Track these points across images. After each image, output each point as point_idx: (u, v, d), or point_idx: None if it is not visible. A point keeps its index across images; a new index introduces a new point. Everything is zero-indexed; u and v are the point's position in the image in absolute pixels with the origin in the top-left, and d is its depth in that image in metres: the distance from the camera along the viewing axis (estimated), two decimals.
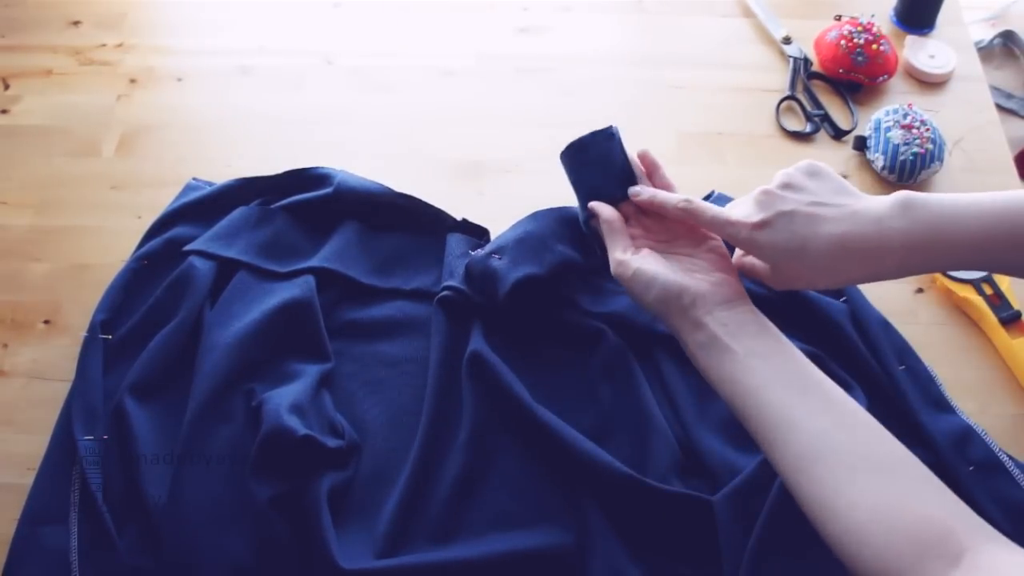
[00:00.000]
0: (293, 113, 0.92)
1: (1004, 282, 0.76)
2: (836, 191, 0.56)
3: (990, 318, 0.75)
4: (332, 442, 0.66)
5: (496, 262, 0.73)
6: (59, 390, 0.72)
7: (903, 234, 0.53)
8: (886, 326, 0.74)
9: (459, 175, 0.87)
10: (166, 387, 0.71)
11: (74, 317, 0.77)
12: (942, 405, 0.70)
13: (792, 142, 0.89)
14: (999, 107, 1.14)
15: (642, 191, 0.64)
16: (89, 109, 0.93)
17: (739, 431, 0.67)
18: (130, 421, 0.68)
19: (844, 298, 0.75)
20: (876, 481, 0.47)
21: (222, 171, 0.86)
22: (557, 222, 0.76)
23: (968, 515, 0.45)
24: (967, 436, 0.67)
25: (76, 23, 1.01)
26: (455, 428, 0.69)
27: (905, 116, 0.86)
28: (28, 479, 0.68)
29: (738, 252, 0.62)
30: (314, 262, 0.77)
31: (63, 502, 0.66)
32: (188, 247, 0.78)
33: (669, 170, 0.68)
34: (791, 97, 0.92)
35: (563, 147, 0.69)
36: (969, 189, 0.84)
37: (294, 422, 0.65)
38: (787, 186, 0.57)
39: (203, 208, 0.82)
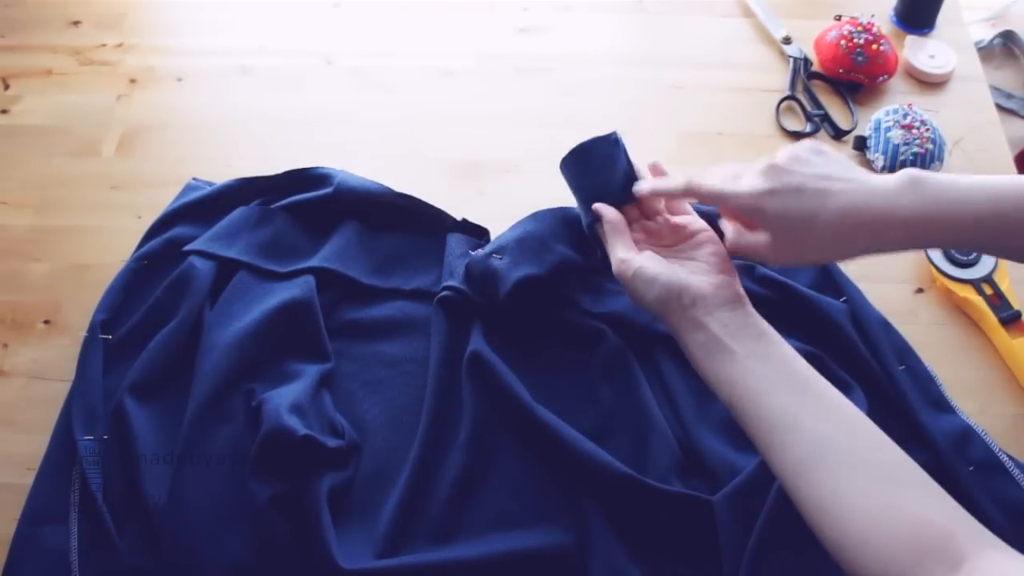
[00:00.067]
0: (293, 113, 0.92)
1: (1004, 282, 0.76)
2: (843, 167, 0.57)
3: (990, 318, 0.75)
4: (332, 442, 0.66)
5: (496, 262, 0.73)
6: (59, 390, 0.72)
7: (910, 209, 0.53)
8: (886, 326, 0.74)
9: (459, 175, 0.87)
10: (166, 387, 0.71)
11: (74, 317, 0.77)
12: (942, 405, 0.70)
13: (792, 142, 0.89)
14: (999, 107, 1.14)
15: (643, 184, 0.64)
16: (89, 109, 0.93)
17: (739, 431, 0.67)
18: (130, 421, 0.68)
19: (844, 298, 0.75)
20: (876, 486, 0.47)
21: (222, 171, 0.86)
22: (557, 222, 0.76)
23: (968, 521, 0.45)
24: (967, 436, 0.67)
25: (76, 23, 1.01)
26: (455, 428, 0.69)
27: (905, 116, 0.86)
28: (28, 479, 0.68)
29: (732, 235, 0.60)
30: (314, 262, 0.77)
31: (63, 502, 0.66)
32: (188, 247, 0.78)
33: (669, 170, 0.68)
34: (791, 97, 0.92)
35: (564, 147, 0.68)
36: None
37: (294, 422, 0.65)
38: (795, 159, 0.57)
39: (203, 208, 0.82)
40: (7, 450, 0.71)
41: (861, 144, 0.87)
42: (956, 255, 0.77)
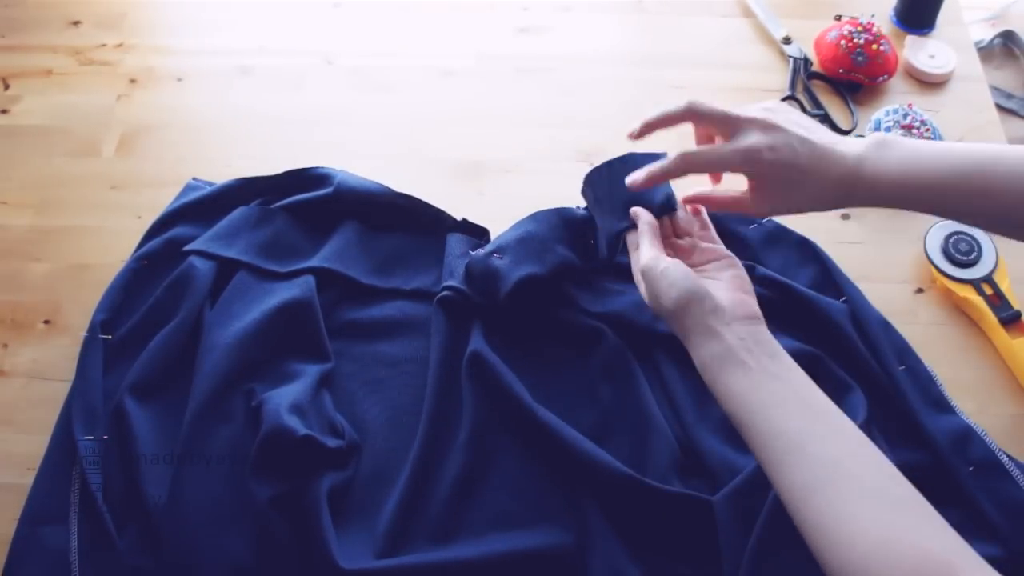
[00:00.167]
0: (293, 113, 0.92)
1: (1004, 282, 0.76)
2: (819, 127, 0.60)
3: (990, 318, 0.75)
4: (332, 442, 0.66)
5: (497, 261, 0.73)
6: (59, 390, 0.72)
7: (874, 169, 0.57)
8: (886, 326, 0.74)
9: (459, 175, 0.87)
10: (166, 387, 0.71)
11: (74, 317, 0.77)
12: (942, 405, 0.70)
13: None
14: (999, 107, 1.14)
15: (637, 125, 0.64)
16: (89, 109, 0.93)
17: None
18: (130, 421, 0.68)
19: (844, 298, 0.75)
20: (880, 514, 0.47)
21: (222, 171, 0.86)
22: (558, 223, 0.76)
23: (967, 551, 0.45)
24: (967, 436, 0.67)
25: (76, 23, 1.01)
26: (455, 428, 0.69)
27: (905, 116, 0.86)
28: (28, 479, 0.68)
29: (703, 188, 0.64)
30: (314, 262, 0.77)
31: (63, 502, 0.66)
32: (188, 247, 0.78)
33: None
34: (791, 97, 0.92)
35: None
36: None
37: (294, 422, 0.65)
38: (787, 116, 0.60)
39: (203, 208, 0.82)
40: (7, 450, 0.71)
41: None
42: (956, 255, 0.77)
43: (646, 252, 0.60)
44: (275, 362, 0.72)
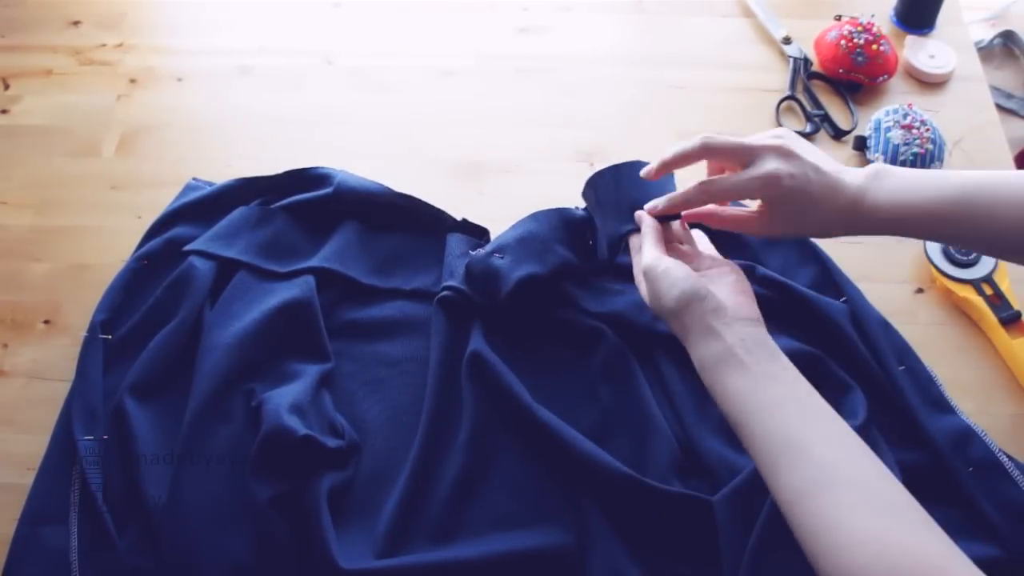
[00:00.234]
0: (293, 113, 0.92)
1: (1004, 282, 0.76)
2: (823, 157, 0.61)
3: (990, 318, 0.75)
4: (332, 442, 0.66)
5: (498, 261, 0.73)
6: (59, 390, 0.72)
7: (872, 201, 0.58)
8: (886, 326, 0.74)
9: (459, 175, 0.87)
10: (166, 387, 0.71)
11: (74, 317, 0.77)
12: (942, 405, 0.70)
13: None
14: (999, 107, 1.14)
15: (655, 165, 0.64)
16: (89, 109, 0.93)
17: None
18: (130, 421, 0.68)
19: (844, 298, 0.75)
20: (875, 519, 0.47)
21: (222, 171, 0.86)
22: (558, 223, 0.76)
23: (961, 559, 0.45)
24: (967, 436, 0.67)
25: (76, 23, 1.01)
26: (455, 428, 0.69)
27: (905, 116, 0.86)
28: (28, 479, 0.68)
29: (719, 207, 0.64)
30: (314, 262, 0.77)
31: (63, 502, 0.66)
32: (188, 247, 0.78)
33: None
34: (791, 97, 0.92)
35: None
36: None
37: (294, 422, 0.65)
38: (800, 145, 0.60)
39: (203, 208, 0.82)
40: (7, 450, 0.71)
41: (861, 144, 0.87)
42: (956, 255, 0.77)
43: (648, 253, 0.60)
44: (275, 362, 0.72)
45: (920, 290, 0.79)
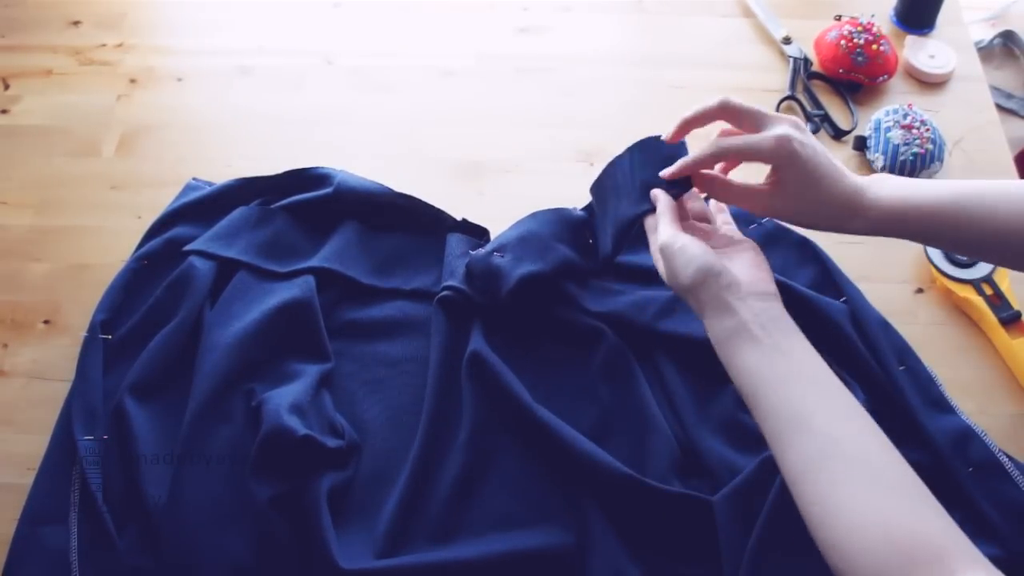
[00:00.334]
0: (293, 113, 0.92)
1: (1004, 282, 0.76)
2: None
3: (990, 318, 0.75)
4: (332, 442, 0.66)
5: (499, 259, 0.73)
6: (59, 390, 0.72)
7: (875, 192, 0.59)
8: (886, 326, 0.74)
9: (459, 175, 0.87)
10: (166, 387, 0.71)
11: (74, 317, 0.77)
12: (942, 405, 0.69)
13: None
14: (999, 107, 1.14)
15: (675, 125, 0.65)
16: (89, 109, 0.93)
17: (739, 431, 0.68)
18: (130, 421, 0.68)
19: (844, 298, 0.75)
20: (879, 495, 0.47)
21: (222, 171, 0.86)
22: (558, 222, 0.76)
23: (962, 539, 0.46)
24: (967, 436, 0.67)
25: (76, 23, 1.01)
26: (455, 428, 0.69)
27: (905, 116, 0.86)
28: (28, 479, 0.68)
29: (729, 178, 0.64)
30: (314, 262, 0.77)
31: (63, 502, 0.66)
32: (188, 247, 0.78)
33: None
34: (791, 97, 0.92)
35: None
36: None
37: (294, 422, 0.65)
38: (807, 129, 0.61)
39: (203, 208, 0.82)
40: (7, 450, 0.71)
41: (861, 144, 0.87)
42: (956, 255, 0.77)
43: (665, 230, 0.60)
44: (275, 362, 0.72)
45: (920, 290, 0.79)
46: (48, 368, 0.75)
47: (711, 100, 0.62)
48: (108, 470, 0.67)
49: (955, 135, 0.89)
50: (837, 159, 0.61)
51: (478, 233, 0.80)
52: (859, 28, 0.92)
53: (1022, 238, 0.56)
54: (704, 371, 0.71)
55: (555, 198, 0.78)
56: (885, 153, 0.84)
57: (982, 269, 0.77)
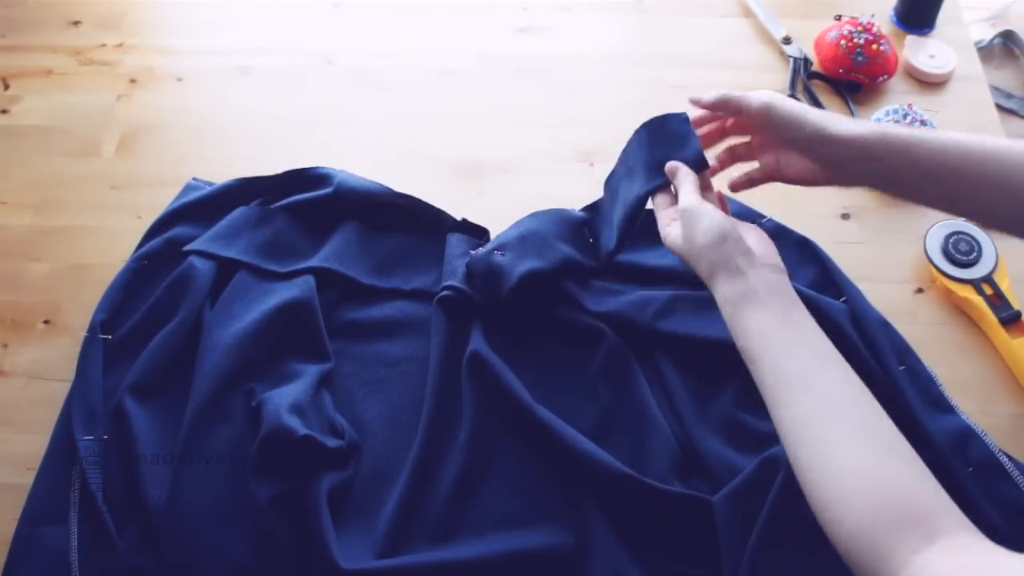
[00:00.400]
0: (293, 113, 0.92)
1: (1004, 282, 0.76)
2: None
3: (990, 318, 0.75)
4: (332, 442, 0.66)
5: (499, 258, 0.73)
6: (59, 390, 0.72)
7: (872, 133, 0.60)
8: (886, 326, 0.74)
9: (459, 175, 0.87)
10: (166, 387, 0.71)
11: (74, 317, 0.77)
12: (942, 405, 0.70)
13: None
14: (999, 107, 1.14)
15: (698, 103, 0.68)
16: (89, 109, 0.93)
17: (739, 432, 0.68)
18: (130, 421, 0.68)
19: (844, 298, 0.75)
20: (875, 457, 0.48)
21: (222, 171, 0.86)
22: (558, 222, 0.76)
23: (952, 506, 0.47)
24: (967, 436, 0.67)
25: (76, 23, 1.01)
26: (455, 428, 0.69)
27: (905, 116, 0.86)
28: (28, 479, 0.68)
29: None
30: (314, 262, 0.77)
31: (63, 502, 0.66)
32: (188, 247, 0.78)
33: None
34: (791, 97, 0.92)
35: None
36: None
37: (294, 422, 0.65)
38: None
39: (203, 208, 0.82)
40: (7, 450, 0.71)
41: None
42: (956, 255, 0.77)
43: (689, 196, 0.62)
44: (275, 362, 0.72)
45: (920, 290, 0.79)
46: (48, 368, 0.75)
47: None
48: (108, 470, 0.67)
49: None
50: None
51: (478, 233, 0.80)
52: (859, 28, 0.92)
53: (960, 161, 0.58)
54: (704, 371, 0.71)
55: (555, 198, 0.78)
56: None
57: (982, 269, 0.77)
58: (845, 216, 0.84)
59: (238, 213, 0.81)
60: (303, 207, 0.81)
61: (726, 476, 0.64)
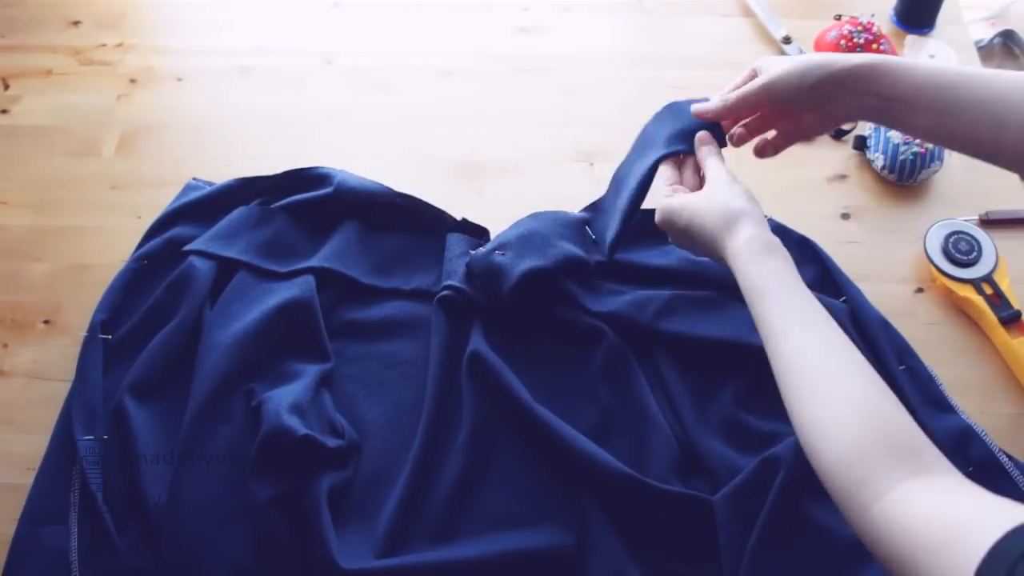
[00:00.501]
0: (293, 113, 0.92)
1: (1004, 282, 0.76)
2: None
3: (990, 318, 0.75)
4: (332, 442, 0.66)
5: (499, 257, 0.73)
6: (59, 390, 0.72)
7: (869, 62, 0.61)
8: (886, 326, 0.74)
9: (459, 175, 0.87)
10: (166, 387, 0.71)
11: (74, 317, 0.77)
12: (942, 405, 0.70)
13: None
14: None
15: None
16: (89, 109, 0.93)
17: (739, 432, 0.68)
18: (130, 421, 0.68)
19: (844, 298, 0.75)
20: (874, 389, 0.50)
21: (222, 171, 0.86)
22: (558, 222, 0.76)
23: (937, 451, 0.48)
24: (967, 436, 0.67)
25: (76, 23, 1.01)
26: (455, 428, 0.69)
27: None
28: (28, 479, 0.68)
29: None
30: (314, 262, 0.77)
31: (63, 502, 0.66)
32: (188, 247, 0.78)
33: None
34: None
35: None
36: (969, 188, 0.85)
37: (294, 422, 0.65)
38: None
39: (203, 208, 0.82)
40: (7, 450, 0.71)
41: (861, 144, 0.87)
42: (956, 254, 0.77)
43: (719, 164, 0.66)
44: (275, 362, 0.72)
45: (920, 290, 0.79)
46: (48, 368, 0.75)
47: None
48: (108, 470, 0.67)
49: None
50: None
51: (478, 233, 0.80)
52: (859, 28, 0.92)
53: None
54: (704, 371, 0.71)
55: (555, 198, 0.78)
56: (885, 153, 0.84)
57: (982, 268, 0.77)
58: (845, 216, 0.84)
59: (238, 213, 0.81)
60: (303, 207, 0.81)
61: (726, 476, 0.64)
